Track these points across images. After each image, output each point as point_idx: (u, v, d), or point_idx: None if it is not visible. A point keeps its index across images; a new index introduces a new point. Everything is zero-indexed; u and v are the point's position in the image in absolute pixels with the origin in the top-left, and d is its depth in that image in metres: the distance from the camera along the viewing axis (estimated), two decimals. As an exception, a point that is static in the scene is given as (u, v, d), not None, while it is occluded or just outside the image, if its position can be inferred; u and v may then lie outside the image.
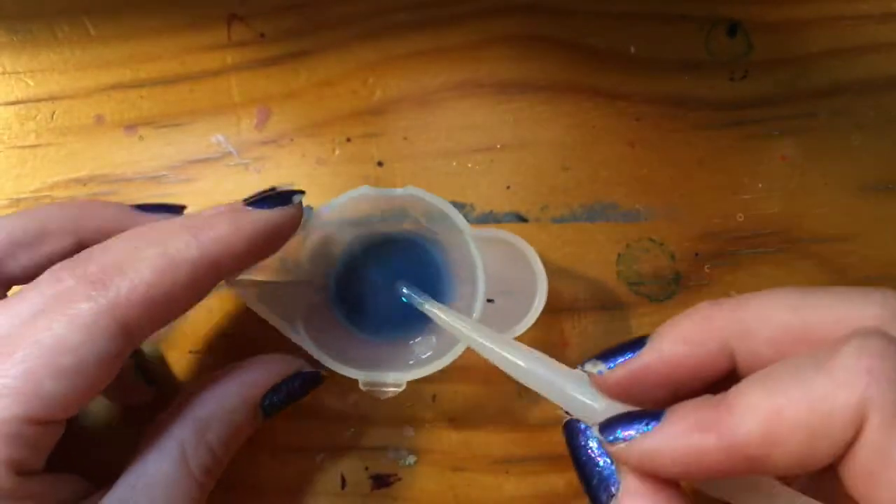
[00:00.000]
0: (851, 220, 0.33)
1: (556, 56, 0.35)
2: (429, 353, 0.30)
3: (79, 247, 0.26)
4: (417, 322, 0.32)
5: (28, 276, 0.25)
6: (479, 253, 0.29)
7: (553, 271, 0.33)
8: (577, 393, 0.24)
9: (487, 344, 0.26)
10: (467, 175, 0.34)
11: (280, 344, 0.33)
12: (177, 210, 0.29)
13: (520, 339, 0.29)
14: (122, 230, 0.25)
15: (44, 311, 0.22)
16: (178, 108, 0.35)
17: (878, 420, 0.18)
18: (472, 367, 0.33)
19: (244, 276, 0.29)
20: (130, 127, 0.35)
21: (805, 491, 0.21)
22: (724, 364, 0.22)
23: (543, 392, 0.24)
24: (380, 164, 0.34)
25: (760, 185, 0.34)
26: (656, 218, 0.34)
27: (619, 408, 0.23)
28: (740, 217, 0.34)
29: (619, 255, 0.34)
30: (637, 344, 0.23)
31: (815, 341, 0.21)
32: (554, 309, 0.33)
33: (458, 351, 0.28)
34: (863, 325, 0.20)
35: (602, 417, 0.23)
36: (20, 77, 0.35)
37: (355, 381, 0.29)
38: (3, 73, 0.35)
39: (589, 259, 0.34)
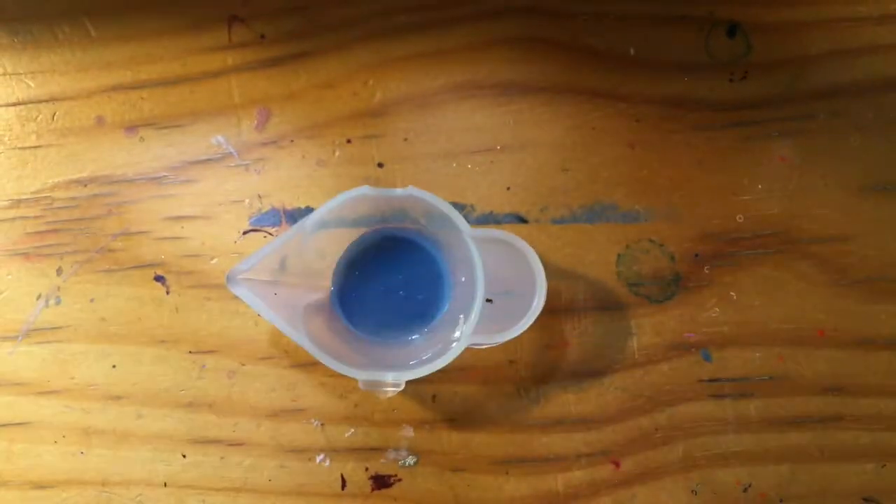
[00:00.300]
0: (851, 220, 0.34)
1: (555, 58, 0.35)
2: (429, 353, 0.30)
3: None
4: (417, 322, 0.33)
5: None
6: (478, 253, 0.29)
7: (553, 272, 0.33)
8: None
9: None
10: (467, 176, 0.34)
11: (280, 344, 0.33)
12: None
13: (520, 337, 0.30)
14: None
15: None
16: (179, 110, 0.35)
17: None
18: (472, 367, 0.33)
19: (244, 276, 0.29)
20: (131, 128, 0.35)
21: None
22: None
23: None
24: (380, 165, 0.34)
25: (760, 186, 0.34)
26: (656, 219, 0.34)
27: None
28: (740, 218, 0.34)
29: (618, 255, 0.34)
30: None
31: None
32: (553, 309, 0.33)
33: (458, 351, 0.28)
34: None
35: None
36: (21, 78, 0.35)
37: (355, 381, 0.29)
38: (4, 75, 0.35)
39: (588, 260, 0.34)
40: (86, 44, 0.35)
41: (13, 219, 0.34)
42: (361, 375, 0.29)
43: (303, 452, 0.33)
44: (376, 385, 0.29)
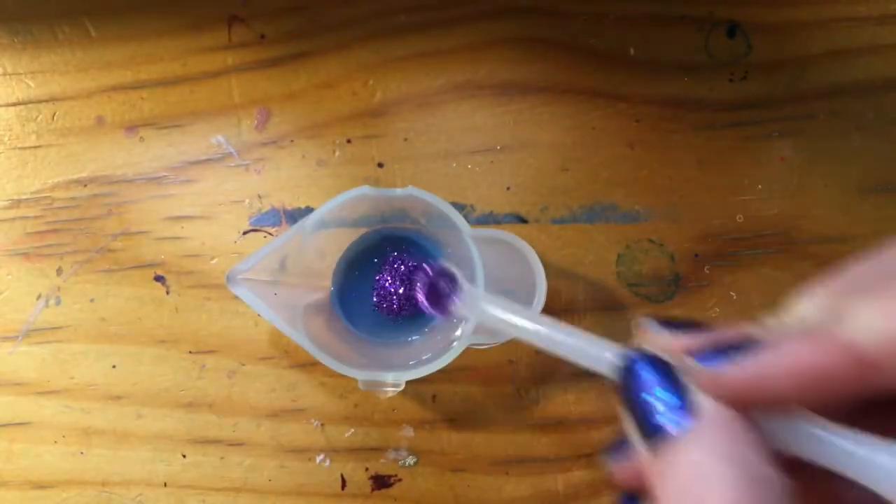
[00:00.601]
0: (851, 220, 0.34)
1: (555, 58, 0.35)
2: (429, 354, 0.30)
3: None
4: (417, 322, 0.33)
5: None
6: (478, 253, 0.29)
7: (552, 272, 0.33)
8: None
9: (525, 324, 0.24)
10: (467, 176, 0.34)
11: (280, 344, 0.33)
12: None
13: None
14: None
15: None
16: (179, 110, 0.35)
17: None
18: (472, 368, 0.33)
19: (244, 276, 0.29)
20: (131, 128, 0.35)
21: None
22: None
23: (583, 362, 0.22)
24: (380, 165, 0.34)
25: (760, 187, 0.34)
26: (656, 219, 0.34)
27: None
28: (740, 218, 0.34)
29: (618, 255, 0.34)
30: (742, 342, 0.19)
31: None
32: (553, 309, 0.33)
33: (457, 351, 0.28)
34: None
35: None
36: (21, 78, 0.35)
37: (355, 381, 0.29)
38: (4, 75, 0.35)
39: (588, 260, 0.34)
40: (86, 44, 0.35)
41: (13, 219, 0.34)
42: (361, 375, 0.29)
43: (303, 452, 0.33)
44: (376, 385, 0.29)
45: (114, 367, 0.34)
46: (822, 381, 0.18)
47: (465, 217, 0.31)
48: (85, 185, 0.34)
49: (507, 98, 0.34)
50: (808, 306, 0.21)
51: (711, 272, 0.34)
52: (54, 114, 0.35)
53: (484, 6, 0.35)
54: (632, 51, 0.34)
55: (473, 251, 0.29)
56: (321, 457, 0.33)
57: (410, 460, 0.33)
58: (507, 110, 0.34)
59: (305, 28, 0.35)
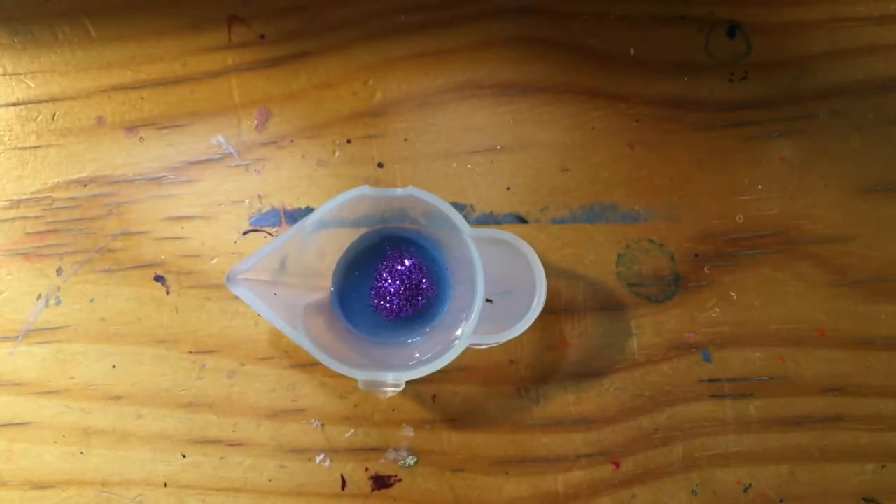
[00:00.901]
0: (851, 221, 0.34)
1: (555, 58, 0.35)
2: (429, 354, 0.30)
3: None
4: (417, 322, 0.33)
5: None
6: (478, 253, 0.29)
7: (552, 272, 0.33)
8: None
9: None
10: (467, 176, 0.34)
11: (280, 344, 0.33)
12: None
13: (520, 337, 0.30)
14: None
15: None
16: (179, 110, 0.35)
17: None
18: (472, 368, 0.33)
19: (244, 276, 0.29)
20: (131, 128, 0.35)
21: None
22: None
23: None
24: (380, 165, 0.34)
25: (760, 187, 0.34)
26: (656, 219, 0.34)
27: None
28: (740, 218, 0.34)
29: (618, 255, 0.34)
30: None
31: None
32: (553, 309, 0.33)
33: (458, 351, 0.28)
34: None
35: None
36: (21, 78, 0.35)
37: (355, 382, 0.29)
38: (4, 75, 0.35)
39: (588, 260, 0.34)
40: (86, 44, 0.35)
41: (13, 219, 0.34)
42: (361, 376, 0.29)
43: (303, 452, 0.33)
44: (376, 385, 0.29)
45: (114, 367, 0.34)
46: None
47: (465, 217, 0.31)
48: (85, 185, 0.34)
49: (507, 98, 0.34)
50: None
51: (711, 272, 0.34)
52: (54, 114, 0.35)
53: (484, 6, 0.35)
54: (632, 51, 0.34)
55: (473, 251, 0.29)
56: (321, 457, 0.33)
57: (410, 460, 0.33)
58: (507, 110, 0.34)
59: (305, 28, 0.35)
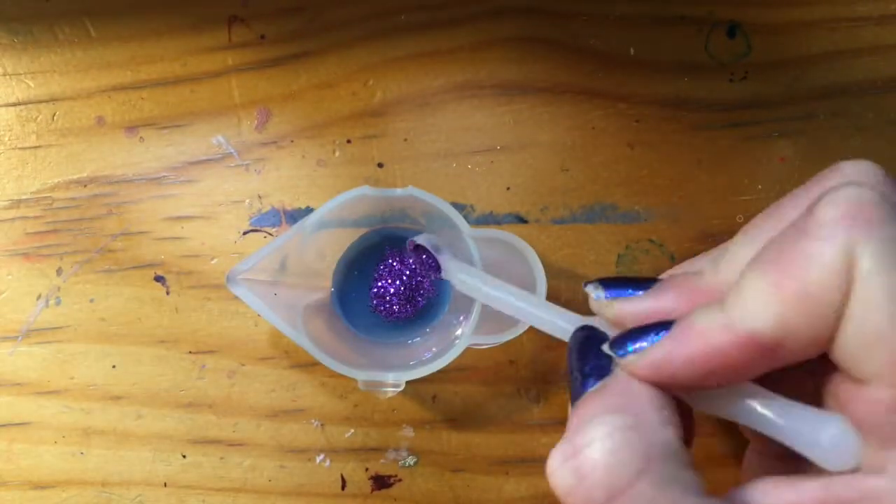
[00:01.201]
0: (851, 221, 0.33)
1: (555, 58, 0.35)
2: (429, 354, 0.30)
3: None
4: (417, 322, 0.33)
5: None
6: (478, 253, 0.29)
7: (553, 272, 0.33)
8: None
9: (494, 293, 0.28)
10: (467, 176, 0.34)
11: (280, 344, 0.33)
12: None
13: (520, 337, 0.30)
14: None
15: None
16: (179, 110, 0.35)
17: (868, 261, 0.18)
18: (472, 368, 0.33)
19: (244, 276, 0.29)
20: (131, 128, 0.35)
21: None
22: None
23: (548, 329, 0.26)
24: (380, 165, 0.34)
25: (760, 187, 0.34)
26: (656, 219, 0.34)
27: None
28: (740, 218, 0.34)
29: (618, 256, 0.34)
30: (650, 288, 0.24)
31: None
32: (554, 310, 0.33)
33: (458, 351, 0.28)
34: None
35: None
36: (21, 78, 0.35)
37: (355, 382, 0.29)
38: (4, 75, 0.35)
39: (588, 260, 0.34)
40: (86, 44, 0.35)
41: (13, 219, 0.34)
42: (361, 376, 0.29)
43: (303, 453, 0.33)
44: (376, 385, 0.29)
45: (114, 367, 0.34)
46: (728, 367, 0.20)
47: (465, 217, 0.31)
48: (85, 185, 0.34)
49: (507, 98, 0.34)
50: (731, 260, 0.23)
51: (711, 272, 0.33)
52: (54, 114, 0.35)
53: (484, 6, 0.35)
54: (632, 51, 0.34)
55: (473, 251, 0.29)
56: (321, 457, 0.33)
57: (410, 460, 0.33)
58: (507, 110, 0.34)
59: (305, 28, 0.35)
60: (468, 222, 0.29)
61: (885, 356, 0.18)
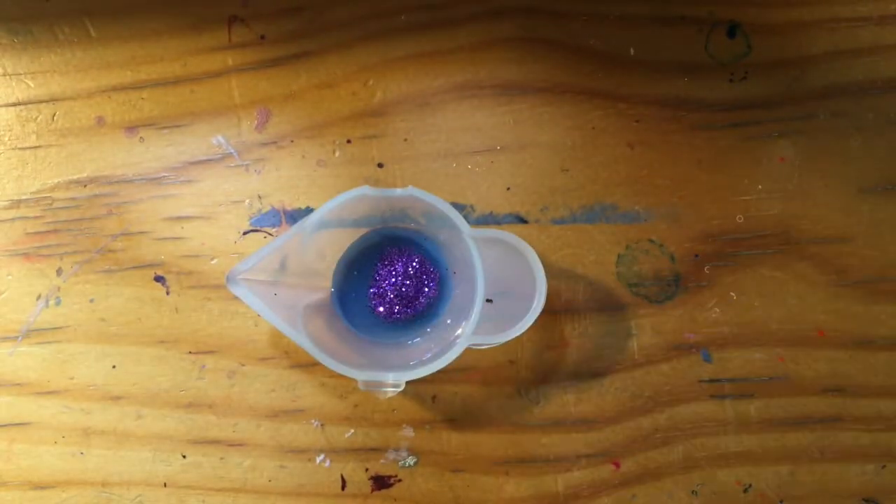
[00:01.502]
0: (851, 221, 0.34)
1: (555, 58, 0.35)
2: (429, 354, 0.30)
3: None
4: (417, 322, 0.33)
5: None
6: (478, 253, 0.29)
7: (553, 272, 0.33)
8: None
9: None
10: (467, 176, 0.34)
11: (280, 344, 0.33)
12: None
13: (520, 337, 0.30)
14: None
15: None
16: (179, 110, 0.35)
17: None
18: (472, 368, 0.33)
19: (244, 276, 0.29)
20: (131, 128, 0.35)
21: None
22: None
23: None
24: (380, 165, 0.34)
25: (760, 187, 0.34)
26: (656, 219, 0.34)
27: None
28: (740, 218, 0.34)
29: (618, 256, 0.34)
30: None
31: None
32: (553, 310, 0.33)
33: (458, 351, 0.28)
34: None
35: None
36: (21, 79, 0.35)
37: (355, 382, 0.29)
38: (4, 75, 0.35)
39: (588, 260, 0.34)
40: (86, 44, 0.35)
41: (13, 219, 0.34)
42: (361, 376, 0.29)
43: (303, 453, 0.33)
44: (376, 386, 0.29)
45: (114, 367, 0.34)
46: None
47: (465, 217, 0.31)
48: (85, 186, 0.34)
49: (507, 98, 0.34)
50: None
51: (711, 272, 0.34)
52: (54, 114, 0.35)
53: (484, 6, 0.35)
54: (632, 51, 0.34)
55: (473, 251, 0.29)
56: (321, 457, 0.33)
57: (410, 461, 0.33)
58: (508, 110, 0.34)
59: (305, 28, 0.35)
60: (468, 222, 0.29)
61: None
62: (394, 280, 0.32)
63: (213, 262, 0.34)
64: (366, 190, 0.29)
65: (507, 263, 0.30)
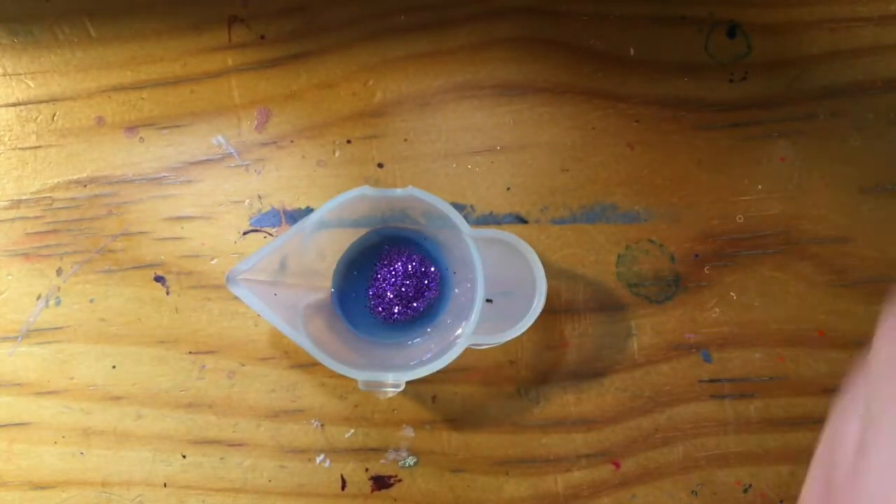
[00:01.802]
0: (851, 221, 0.34)
1: (555, 58, 0.35)
2: (429, 354, 0.30)
3: None
4: (417, 322, 0.33)
5: None
6: (478, 253, 0.29)
7: (552, 272, 0.33)
8: None
9: None
10: (467, 176, 0.34)
11: (280, 344, 0.33)
12: None
13: (520, 337, 0.30)
14: None
15: None
16: (179, 110, 0.35)
17: None
18: (472, 368, 0.33)
19: (244, 276, 0.29)
20: (131, 128, 0.35)
21: None
22: None
23: None
24: (380, 165, 0.34)
25: (760, 187, 0.34)
26: (656, 219, 0.34)
27: None
28: (740, 218, 0.34)
29: (618, 256, 0.34)
30: None
31: None
32: (553, 310, 0.33)
33: (458, 351, 0.28)
34: None
35: None
36: (21, 79, 0.35)
37: (355, 382, 0.29)
38: (5, 75, 0.35)
39: (588, 260, 0.34)
40: (86, 44, 0.35)
41: (13, 219, 0.34)
42: (361, 376, 0.29)
43: (303, 453, 0.33)
44: (376, 386, 0.29)
45: (114, 367, 0.34)
46: None
47: (465, 217, 0.31)
48: (85, 186, 0.34)
49: (506, 98, 0.34)
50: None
51: (711, 272, 0.34)
52: (54, 114, 0.35)
53: (484, 6, 0.35)
54: (632, 51, 0.34)
55: (473, 251, 0.29)
56: (321, 457, 0.33)
57: (410, 461, 0.33)
58: (507, 110, 0.34)
59: (305, 28, 0.35)
60: (468, 222, 0.29)
61: None
62: (394, 280, 0.32)
63: (213, 262, 0.34)
64: (366, 190, 0.29)
65: (507, 263, 0.30)
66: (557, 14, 0.35)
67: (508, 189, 0.34)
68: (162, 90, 0.35)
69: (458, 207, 0.34)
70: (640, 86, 0.34)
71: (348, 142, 0.34)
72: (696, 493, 0.33)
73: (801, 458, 0.33)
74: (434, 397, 0.33)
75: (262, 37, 0.35)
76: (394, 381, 0.29)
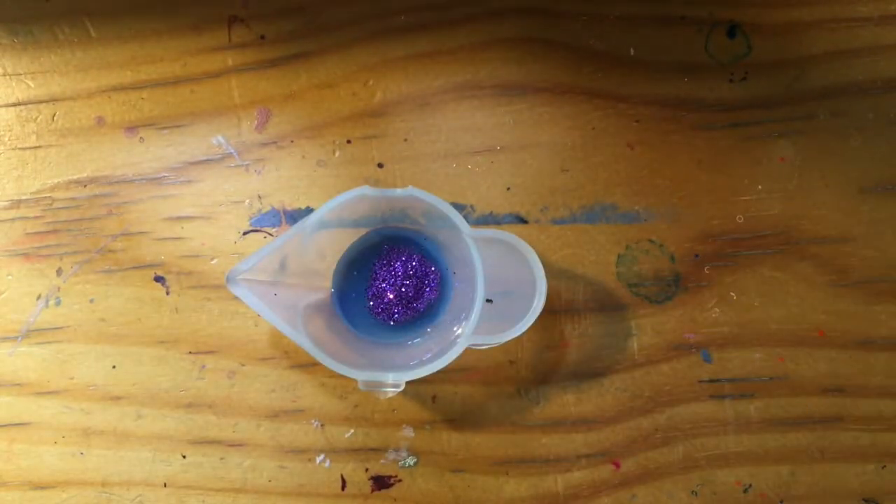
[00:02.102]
0: (851, 221, 0.34)
1: (555, 58, 0.35)
2: (429, 354, 0.30)
3: None
4: (417, 322, 0.33)
5: None
6: (478, 253, 0.29)
7: (552, 272, 0.33)
8: None
9: None
10: (467, 176, 0.34)
11: (280, 344, 0.33)
12: None
13: (520, 337, 0.30)
14: None
15: None
16: (179, 110, 0.35)
17: None
18: (472, 368, 0.33)
19: (244, 276, 0.29)
20: (131, 128, 0.35)
21: None
22: None
23: None
24: (380, 165, 0.34)
25: (760, 187, 0.34)
26: (656, 219, 0.34)
27: None
28: (740, 218, 0.34)
29: (618, 256, 0.34)
30: None
31: None
32: (553, 310, 0.33)
33: (458, 351, 0.28)
34: None
35: None
36: (21, 79, 0.35)
37: (355, 382, 0.29)
38: (4, 75, 0.35)
39: (588, 260, 0.34)
40: (86, 44, 0.35)
41: (13, 219, 0.34)
42: (361, 376, 0.29)
43: (303, 453, 0.33)
44: (376, 386, 0.29)
45: (114, 367, 0.34)
46: None
47: (465, 217, 0.31)
48: (85, 186, 0.34)
49: (507, 98, 0.34)
50: None
51: (711, 272, 0.34)
52: (54, 114, 0.35)
53: (484, 6, 0.35)
54: (632, 51, 0.34)
55: (473, 251, 0.29)
56: (321, 457, 0.33)
57: (410, 461, 0.33)
58: (507, 111, 0.34)
59: (305, 28, 0.35)
60: (468, 222, 0.29)
61: None
62: (393, 280, 0.32)
63: (213, 262, 0.34)
64: (366, 190, 0.29)
65: (507, 263, 0.30)
66: (557, 14, 0.35)
67: (508, 189, 0.34)
68: (162, 90, 0.35)
69: (458, 207, 0.34)
70: (640, 86, 0.34)
71: (348, 142, 0.34)
72: (696, 493, 0.33)
73: (801, 458, 0.33)
74: (434, 397, 0.33)
75: (262, 37, 0.35)
76: (394, 381, 0.29)
